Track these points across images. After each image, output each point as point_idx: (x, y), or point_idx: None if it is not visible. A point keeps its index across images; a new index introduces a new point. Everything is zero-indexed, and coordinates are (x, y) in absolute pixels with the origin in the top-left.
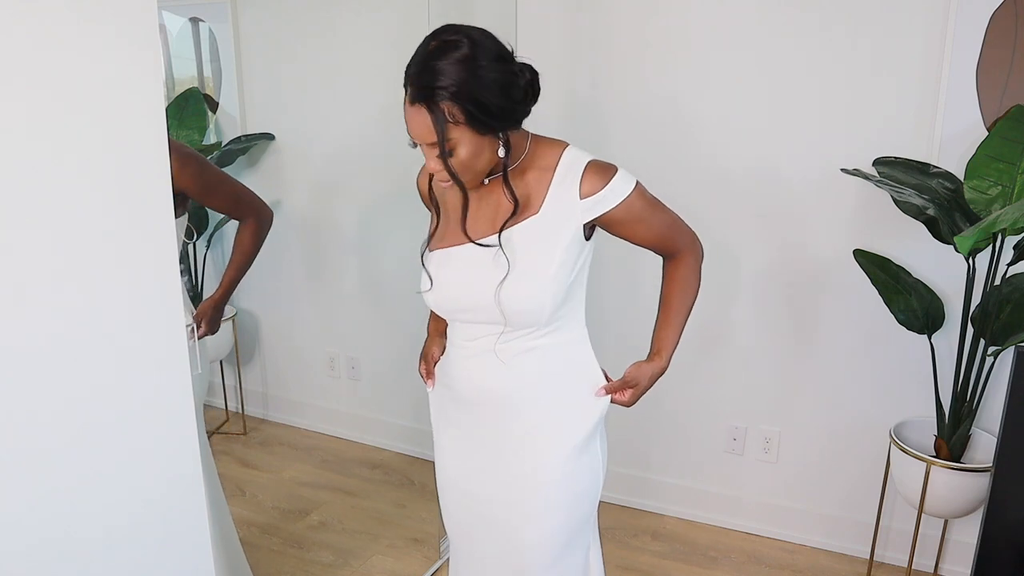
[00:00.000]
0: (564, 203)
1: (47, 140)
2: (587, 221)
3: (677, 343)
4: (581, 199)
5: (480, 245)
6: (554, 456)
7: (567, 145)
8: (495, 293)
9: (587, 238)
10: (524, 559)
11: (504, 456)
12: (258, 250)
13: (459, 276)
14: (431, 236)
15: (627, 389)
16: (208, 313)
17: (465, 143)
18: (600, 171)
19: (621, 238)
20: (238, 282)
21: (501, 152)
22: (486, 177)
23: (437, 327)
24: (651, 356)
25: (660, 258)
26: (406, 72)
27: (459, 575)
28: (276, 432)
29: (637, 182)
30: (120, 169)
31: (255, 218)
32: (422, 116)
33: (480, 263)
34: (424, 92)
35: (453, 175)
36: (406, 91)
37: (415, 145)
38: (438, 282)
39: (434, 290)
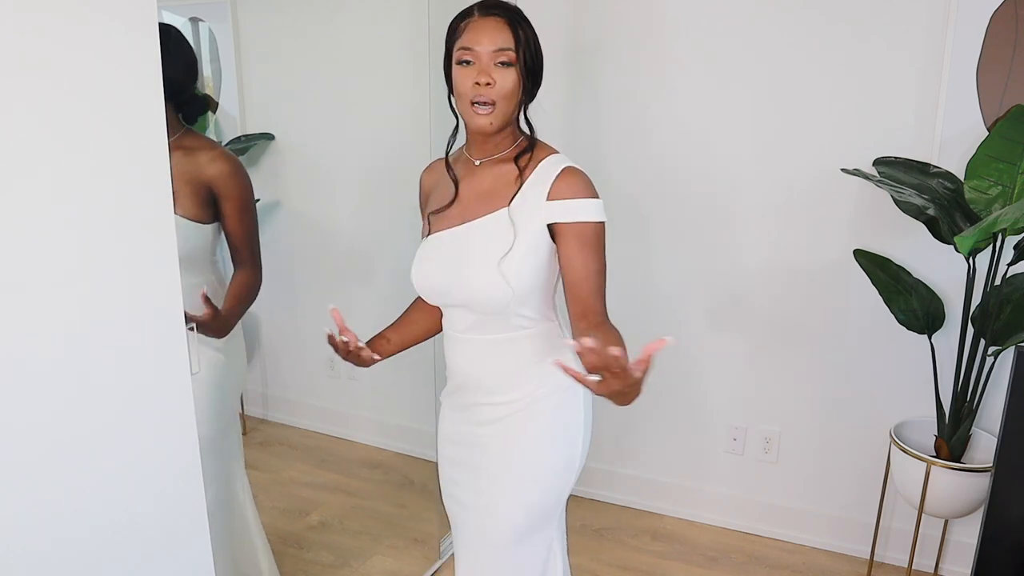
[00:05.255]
0: (532, 200)
1: (46, 139)
2: (549, 223)
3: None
4: (547, 200)
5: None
6: (534, 435)
7: (555, 151)
8: (462, 277)
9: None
10: (494, 533)
11: (486, 431)
12: (251, 302)
13: (437, 260)
14: (427, 230)
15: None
16: (211, 312)
17: (514, 73)
18: (576, 184)
19: (560, 260)
20: (237, 315)
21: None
22: (485, 157)
23: (407, 317)
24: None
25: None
26: (473, 5)
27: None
28: (276, 432)
29: (604, 223)
30: (120, 168)
31: (257, 271)
32: (499, 23)
33: (455, 248)
34: (507, 9)
35: (493, 102)
36: (472, 15)
37: (468, 63)
38: (420, 265)
39: (415, 272)
